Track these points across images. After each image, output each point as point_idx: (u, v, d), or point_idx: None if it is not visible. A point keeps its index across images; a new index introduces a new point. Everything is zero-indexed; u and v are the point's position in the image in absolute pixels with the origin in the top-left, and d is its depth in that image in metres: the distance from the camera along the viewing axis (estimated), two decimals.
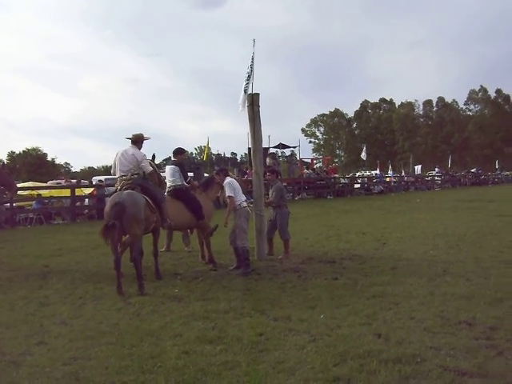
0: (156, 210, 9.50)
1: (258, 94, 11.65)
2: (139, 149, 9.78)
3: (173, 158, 11.96)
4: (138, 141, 9.81)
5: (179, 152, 11.98)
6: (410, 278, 9.32)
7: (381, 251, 12.51)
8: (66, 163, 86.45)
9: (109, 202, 9.29)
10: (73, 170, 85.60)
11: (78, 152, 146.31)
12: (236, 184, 10.95)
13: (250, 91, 11.59)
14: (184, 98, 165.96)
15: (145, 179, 9.64)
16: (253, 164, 11.98)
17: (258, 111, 11.67)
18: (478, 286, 8.56)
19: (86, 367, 5.33)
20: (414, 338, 6.01)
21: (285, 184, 34.82)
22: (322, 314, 7.09)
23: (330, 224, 19.09)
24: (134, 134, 9.88)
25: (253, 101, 11.55)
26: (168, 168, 11.50)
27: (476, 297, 7.81)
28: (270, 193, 12.33)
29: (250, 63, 11.62)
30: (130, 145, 9.76)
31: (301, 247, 13.47)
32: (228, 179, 10.94)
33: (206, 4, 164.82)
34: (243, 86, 11.57)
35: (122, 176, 9.60)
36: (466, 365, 5.20)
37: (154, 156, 10.37)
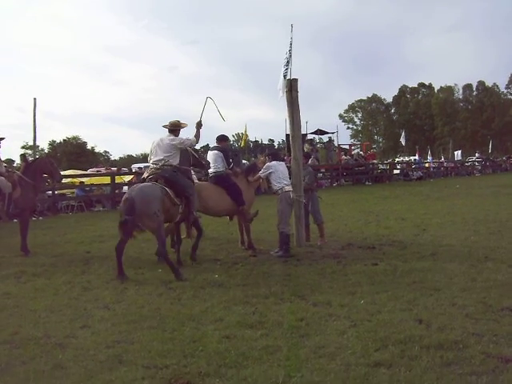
0: (181, 203, 9.49)
1: (296, 80, 11.58)
2: (176, 136, 9.84)
3: (216, 144, 12.00)
4: (174, 129, 9.86)
5: (223, 138, 12.03)
6: (450, 264, 9.22)
7: (421, 237, 12.40)
8: (105, 151, 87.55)
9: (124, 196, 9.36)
10: (112, 158, 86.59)
11: (117, 140, 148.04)
12: (279, 167, 11.05)
13: (288, 77, 11.52)
14: (222, 85, 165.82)
15: (174, 171, 9.56)
16: (291, 150, 11.94)
17: (297, 97, 11.60)
18: None
19: (129, 350, 5.41)
20: (456, 325, 5.94)
21: (323, 170, 34.82)
22: (362, 300, 7.07)
23: (369, 210, 18.98)
24: (171, 121, 9.92)
25: (291, 86, 11.48)
26: (211, 153, 11.52)
27: None
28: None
29: (288, 48, 11.54)
30: (167, 133, 9.82)
31: (340, 233, 13.44)
32: (273, 162, 11.07)
33: None
34: (282, 71, 11.50)
35: (152, 165, 9.71)
36: (510, 351, 5.12)
37: None
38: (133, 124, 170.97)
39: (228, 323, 6.24)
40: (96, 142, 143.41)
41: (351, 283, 8.10)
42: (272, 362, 5.00)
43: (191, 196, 9.67)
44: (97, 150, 79.63)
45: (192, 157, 10.24)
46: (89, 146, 74.85)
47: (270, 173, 11.04)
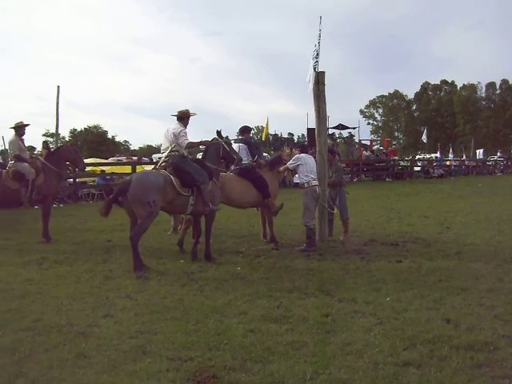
0: (190, 193, 9.20)
1: (323, 73, 11.44)
2: (185, 125, 9.64)
3: (239, 136, 11.90)
4: (183, 117, 9.67)
5: (246, 130, 11.94)
6: (476, 263, 9.07)
7: (444, 235, 12.23)
8: (125, 141, 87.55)
9: None
10: (132, 147, 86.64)
11: (138, 130, 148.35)
12: (308, 160, 10.98)
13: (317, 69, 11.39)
14: (243, 78, 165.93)
15: (183, 158, 9.37)
16: (317, 144, 11.79)
17: (324, 90, 11.47)
18: None
19: (153, 341, 5.35)
20: (485, 325, 5.80)
21: (344, 165, 34.60)
22: (388, 297, 6.95)
23: (391, 206, 18.83)
24: (180, 110, 9.72)
25: (318, 79, 11.35)
26: (235, 146, 11.37)
27: None
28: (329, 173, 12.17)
29: (318, 41, 11.38)
30: (176, 122, 9.64)
31: (362, 229, 13.31)
32: (302, 155, 11.03)
33: None
34: (312, 63, 11.36)
35: (162, 154, 9.63)
36: None
37: (218, 132, 10.20)
38: (153, 114, 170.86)
39: (252, 317, 6.16)
40: (117, 131, 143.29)
41: (375, 280, 7.98)
42: (298, 357, 4.90)
43: (202, 185, 9.25)
44: (117, 139, 79.86)
45: (222, 149, 10.03)
46: (109, 135, 75.13)
47: (298, 165, 10.93)
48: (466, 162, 51.41)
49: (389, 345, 5.21)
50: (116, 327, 5.83)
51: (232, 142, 11.56)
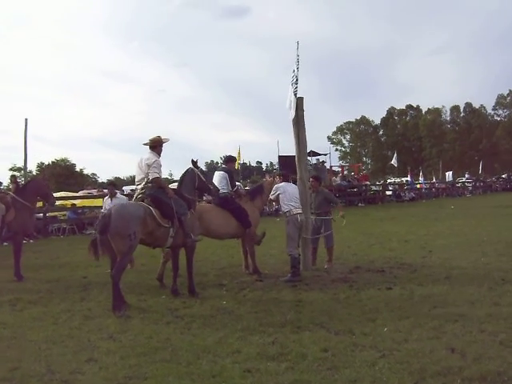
0: (170, 225, 8.78)
1: (301, 98, 11.26)
2: (158, 153, 9.18)
3: (223, 165, 11.61)
4: (155, 145, 9.19)
5: (230, 160, 11.70)
6: (468, 287, 8.85)
7: (429, 259, 12.02)
8: (92, 174, 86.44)
9: None
10: (99, 180, 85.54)
11: (105, 163, 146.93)
12: (288, 188, 10.78)
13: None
14: (209, 108, 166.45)
15: (160, 188, 8.94)
16: (298, 170, 11.55)
17: (303, 116, 11.29)
18: None
19: None
20: (492, 354, 5.53)
21: None
22: (385, 327, 6.65)
23: (369, 232, 18.63)
24: (151, 138, 9.22)
25: (297, 105, 11.16)
26: (217, 174, 11.12)
27: None
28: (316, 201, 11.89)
29: (296, 66, 11.20)
30: (149, 151, 9.16)
31: (345, 256, 13.05)
32: (282, 183, 10.80)
33: (231, 14, 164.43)
34: (292, 89, 11.16)
35: (137, 185, 9.24)
36: None
37: (194, 162, 9.84)
38: (122, 147, 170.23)
39: (247, 355, 5.78)
40: (84, 164, 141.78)
41: (369, 309, 7.68)
42: None
43: (183, 216, 8.91)
44: (85, 171, 78.89)
45: (198, 179, 9.63)
46: (77, 168, 74.18)
47: (278, 194, 10.71)
48: (436, 185, 51.82)
49: (398, 380, 4.90)
50: (102, 373, 5.39)
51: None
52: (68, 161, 72.29)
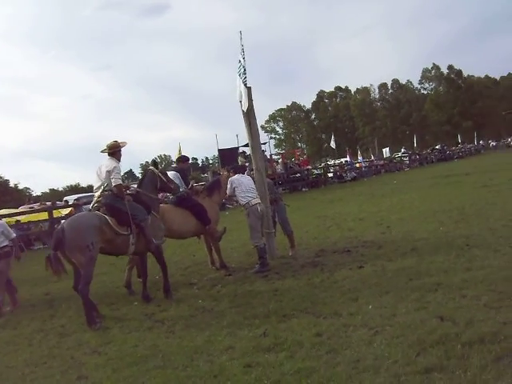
0: (129, 232, 8.55)
1: (250, 88, 11.16)
2: (118, 159, 8.96)
3: (174, 165, 11.44)
4: (114, 151, 8.94)
5: (182, 159, 11.58)
6: (436, 256, 8.99)
7: (389, 234, 12.17)
8: (25, 188, 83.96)
9: None
10: (34, 193, 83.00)
11: (37, 175, 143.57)
12: (243, 180, 10.66)
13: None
14: (138, 108, 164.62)
15: (117, 196, 8.63)
16: (253, 161, 11.50)
17: (252, 106, 11.20)
18: (510, 255, 8.27)
19: None
20: (481, 317, 5.62)
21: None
22: (370, 305, 6.67)
23: (322, 214, 18.72)
24: (108, 143, 8.97)
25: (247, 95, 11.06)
26: (168, 174, 10.94)
27: None
28: None
29: (242, 56, 11.07)
30: (108, 157, 8.92)
31: (306, 241, 13.07)
32: (235, 176, 10.67)
33: (150, 12, 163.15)
34: (241, 80, 11.03)
35: (94, 193, 9.00)
36: None
37: (154, 162, 9.65)
38: (50, 157, 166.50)
39: (242, 350, 5.70)
40: (14, 178, 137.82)
41: (347, 290, 7.70)
42: None
43: (142, 222, 8.68)
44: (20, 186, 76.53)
45: (159, 180, 9.43)
46: (11, 184, 71.91)
47: (234, 188, 10.60)
48: (375, 162, 52.74)
49: (400, 354, 4.90)
50: None
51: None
52: (1, 177, 70.12)
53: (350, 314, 6.45)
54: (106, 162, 8.82)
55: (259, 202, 10.60)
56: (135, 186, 9.68)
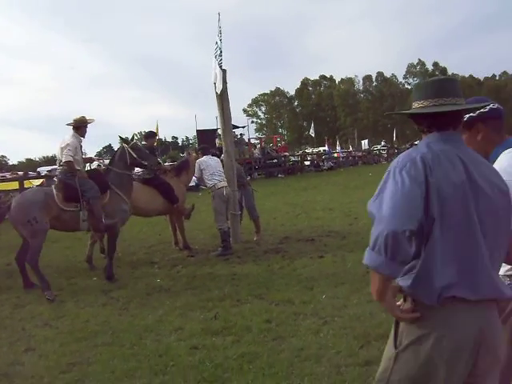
0: (79, 208, 8.44)
1: (225, 70, 11.11)
2: (82, 134, 8.85)
3: (143, 142, 11.35)
4: (79, 126, 8.81)
5: (150, 135, 11.42)
6: None
7: (356, 226, 12.24)
8: (2, 156, 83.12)
9: None
10: (10, 162, 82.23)
11: (15, 144, 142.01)
12: (211, 162, 10.59)
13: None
14: (123, 83, 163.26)
15: (69, 172, 8.52)
16: (223, 144, 11.50)
17: (226, 88, 11.15)
18: None
19: (89, 373, 4.80)
20: None
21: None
22: (324, 295, 6.74)
23: (293, 202, 18.78)
24: (75, 118, 8.83)
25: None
26: None
27: None
28: None
29: (219, 38, 11.01)
30: (71, 132, 8.76)
31: (272, 227, 13.11)
32: (203, 158, 10.61)
33: None
34: (217, 62, 10.97)
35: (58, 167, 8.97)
36: None
37: (122, 138, 9.49)
38: (31, 126, 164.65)
39: (191, 332, 5.73)
40: None
41: (304, 278, 7.76)
42: (256, 371, 4.55)
43: (91, 200, 8.50)
44: None
45: (129, 156, 9.20)
46: None
47: (201, 170, 10.55)
48: (353, 153, 52.91)
49: (344, 345, 4.97)
50: (42, 362, 5.19)
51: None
52: None
53: (302, 302, 6.51)
54: (68, 137, 8.72)
55: (225, 185, 10.56)
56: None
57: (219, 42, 11.00)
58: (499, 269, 2.37)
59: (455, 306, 2.14)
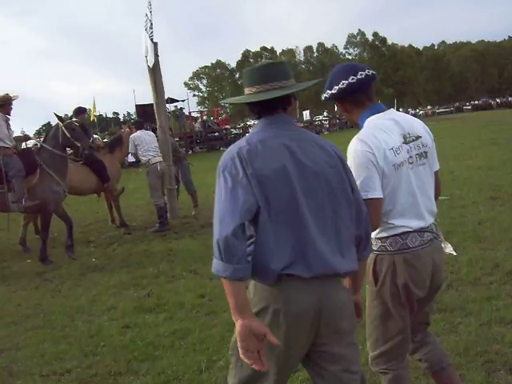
0: (7, 189, 8.17)
1: (156, 43, 10.91)
2: (7, 112, 8.52)
3: (74, 119, 11.06)
4: (3, 104, 8.45)
5: (80, 111, 11.05)
6: None
7: None
8: None
9: None
10: None
11: None
12: (145, 137, 10.44)
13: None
14: (58, 58, 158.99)
15: None
16: (157, 118, 11.30)
17: (158, 62, 10.96)
18: None
19: (18, 358, 4.69)
20: None
21: (177, 139, 34.19)
22: None
23: None
24: None
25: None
26: None
27: None
28: None
29: (149, 10, 10.77)
30: None
31: (210, 201, 12.87)
32: (137, 133, 10.45)
33: None
34: (147, 35, 10.74)
35: None
36: None
37: (57, 116, 9.14)
38: None
39: (123, 311, 5.69)
40: None
41: None
42: (187, 347, 4.55)
43: (13, 179, 8.16)
44: None
45: (62, 135, 8.78)
46: None
47: (136, 145, 10.39)
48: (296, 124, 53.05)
49: None
50: None
51: None
52: None
53: None
54: None
55: (160, 160, 10.44)
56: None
57: (149, 15, 10.78)
58: (352, 237, 2.38)
59: (290, 282, 2.16)
